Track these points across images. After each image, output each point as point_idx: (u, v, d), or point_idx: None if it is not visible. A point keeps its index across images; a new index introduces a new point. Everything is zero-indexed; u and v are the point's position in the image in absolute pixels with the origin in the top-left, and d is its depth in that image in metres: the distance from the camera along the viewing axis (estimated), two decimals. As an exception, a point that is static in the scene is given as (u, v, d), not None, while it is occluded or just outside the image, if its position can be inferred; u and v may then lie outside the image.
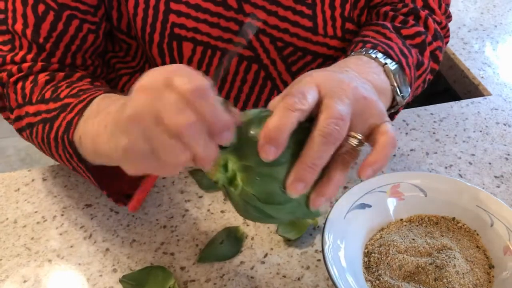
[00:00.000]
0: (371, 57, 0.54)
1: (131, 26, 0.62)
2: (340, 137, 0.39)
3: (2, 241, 0.61)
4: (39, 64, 0.58)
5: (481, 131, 0.78)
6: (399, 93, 0.55)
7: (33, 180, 0.69)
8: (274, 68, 0.66)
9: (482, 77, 0.89)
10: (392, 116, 0.62)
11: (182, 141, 0.35)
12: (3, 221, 0.64)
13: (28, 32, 0.58)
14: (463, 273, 0.53)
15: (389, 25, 0.61)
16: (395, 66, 0.55)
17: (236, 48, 0.43)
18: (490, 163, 0.72)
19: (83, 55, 0.62)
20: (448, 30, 0.70)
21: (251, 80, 0.67)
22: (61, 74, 0.58)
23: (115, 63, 0.69)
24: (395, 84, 0.54)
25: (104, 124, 0.44)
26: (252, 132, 0.40)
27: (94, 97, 0.52)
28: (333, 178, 0.40)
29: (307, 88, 0.40)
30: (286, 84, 0.67)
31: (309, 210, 0.42)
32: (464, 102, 0.84)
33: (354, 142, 0.41)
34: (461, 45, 0.97)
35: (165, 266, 0.58)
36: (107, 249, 0.60)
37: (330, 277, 0.50)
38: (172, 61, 0.63)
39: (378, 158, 0.41)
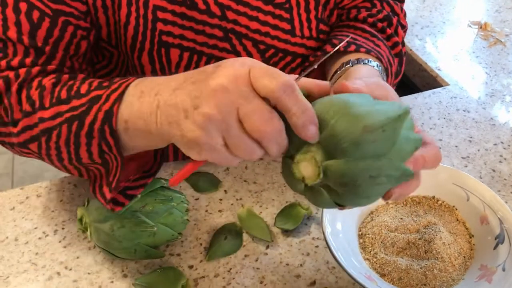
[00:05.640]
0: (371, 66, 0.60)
1: (111, 36, 0.64)
2: None
3: (6, 259, 0.62)
4: (37, 67, 0.56)
5: (444, 118, 0.85)
6: None
7: (27, 197, 0.69)
8: None
9: (439, 69, 0.97)
10: None
11: (261, 144, 0.38)
12: (3, 240, 0.64)
13: (25, 38, 0.56)
14: (448, 244, 0.59)
15: (375, 32, 0.68)
16: (383, 72, 0.62)
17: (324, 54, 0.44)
18: (456, 146, 0.79)
19: (78, 60, 0.62)
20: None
21: None
22: (66, 76, 0.56)
23: (102, 75, 0.71)
24: None
25: (156, 104, 0.44)
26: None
27: (128, 84, 0.50)
28: None
29: None
30: None
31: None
32: (426, 93, 0.91)
33: None
34: (416, 42, 1.05)
35: (174, 266, 0.61)
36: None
37: (334, 258, 0.54)
38: (161, 67, 0.65)
39: None
